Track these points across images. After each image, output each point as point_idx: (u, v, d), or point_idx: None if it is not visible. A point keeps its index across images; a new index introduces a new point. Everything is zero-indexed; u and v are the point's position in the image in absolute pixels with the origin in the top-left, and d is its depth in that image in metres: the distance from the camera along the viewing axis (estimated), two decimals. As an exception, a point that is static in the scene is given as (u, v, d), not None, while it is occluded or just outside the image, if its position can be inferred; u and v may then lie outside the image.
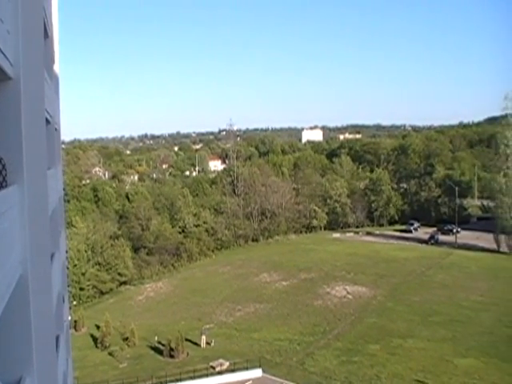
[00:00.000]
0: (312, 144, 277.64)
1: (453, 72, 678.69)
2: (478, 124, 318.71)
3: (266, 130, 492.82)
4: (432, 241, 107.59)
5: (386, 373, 47.59)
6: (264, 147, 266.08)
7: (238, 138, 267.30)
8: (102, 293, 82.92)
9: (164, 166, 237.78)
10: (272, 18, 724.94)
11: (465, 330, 57.71)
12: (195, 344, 57.79)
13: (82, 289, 79.15)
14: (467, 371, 47.59)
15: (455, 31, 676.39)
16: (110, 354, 58.30)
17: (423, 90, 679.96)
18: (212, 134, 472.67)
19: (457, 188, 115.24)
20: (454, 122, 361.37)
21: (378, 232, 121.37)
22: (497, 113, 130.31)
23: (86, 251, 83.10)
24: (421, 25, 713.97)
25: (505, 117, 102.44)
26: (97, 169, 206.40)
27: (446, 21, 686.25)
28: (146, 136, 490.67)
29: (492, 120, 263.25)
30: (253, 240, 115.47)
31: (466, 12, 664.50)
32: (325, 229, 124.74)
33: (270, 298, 73.11)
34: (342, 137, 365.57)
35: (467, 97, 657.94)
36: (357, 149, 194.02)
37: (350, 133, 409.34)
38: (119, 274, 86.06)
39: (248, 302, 71.88)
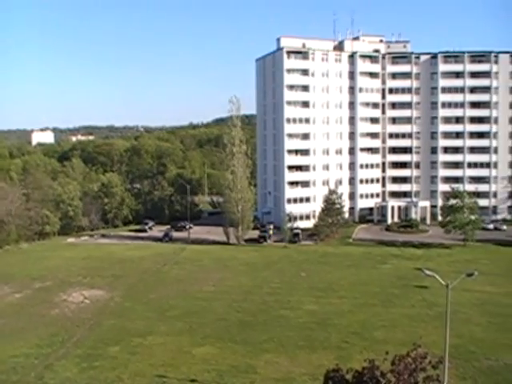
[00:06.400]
0: (43, 147, 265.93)
1: (182, 76, 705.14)
2: (207, 125, 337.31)
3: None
4: (166, 238, 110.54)
5: (127, 373, 47.39)
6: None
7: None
8: None
9: None
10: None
11: (200, 320, 60.34)
12: None
13: None
14: (205, 358, 49.82)
15: (183, 39, 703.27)
16: None
17: (155, 92, 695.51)
18: None
19: (188, 186, 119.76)
20: (185, 123, 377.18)
21: (112, 233, 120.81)
22: (223, 114, 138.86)
23: None
24: (147, 30, 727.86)
25: (230, 118, 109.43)
26: None
27: (177, 27, 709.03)
28: None
29: (219, 121, 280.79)
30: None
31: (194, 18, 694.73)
32: (59, 234, 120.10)
33: (1, 312, 67.68)
34: (74, 138, 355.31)
35: (197, 99, 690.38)
36: (90, 150, 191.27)
37: (82, 134, 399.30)
38: None
39: (-25, 320, 65.75)
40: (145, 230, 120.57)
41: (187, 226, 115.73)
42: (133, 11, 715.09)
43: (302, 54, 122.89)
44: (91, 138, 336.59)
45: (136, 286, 76.10)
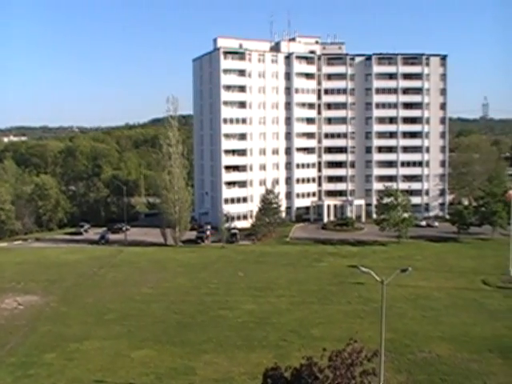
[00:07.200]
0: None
1: (118, 75, 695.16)
2: (144, 125, 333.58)
3: None
4: (103, 241, 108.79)
5: (64, 380, 46.30)
6: None
7: None
8: None
9: None
10: None
11: (138, 323, 59.67)
12: None
13: None
14: (143, 361, 49.31)
15: (119, 37, 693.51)
16: None
17: (90, 92, 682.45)
18: None
19: (124, 187, 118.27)
20: (121, 123, 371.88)
21: (47, 237, 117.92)
22: (160, 115, 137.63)
23: None
24: (81, 29, 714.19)
25: (167, 118, 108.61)
26: None
27: (112, 26, 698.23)
28: None
29: (156, 121, 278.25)
30: None
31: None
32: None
33: None
34: (6, 139, 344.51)
35: (133, 100, 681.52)
36: (22, 152, 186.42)
37: (14, 135, 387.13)
38: None
39: None
40: (80, 233, 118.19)
41: (124, 228, 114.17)
42: (68, 9, 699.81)
43: (239, 54, 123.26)
44: (24, 138, 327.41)
45: (72, 290, 74.55)
